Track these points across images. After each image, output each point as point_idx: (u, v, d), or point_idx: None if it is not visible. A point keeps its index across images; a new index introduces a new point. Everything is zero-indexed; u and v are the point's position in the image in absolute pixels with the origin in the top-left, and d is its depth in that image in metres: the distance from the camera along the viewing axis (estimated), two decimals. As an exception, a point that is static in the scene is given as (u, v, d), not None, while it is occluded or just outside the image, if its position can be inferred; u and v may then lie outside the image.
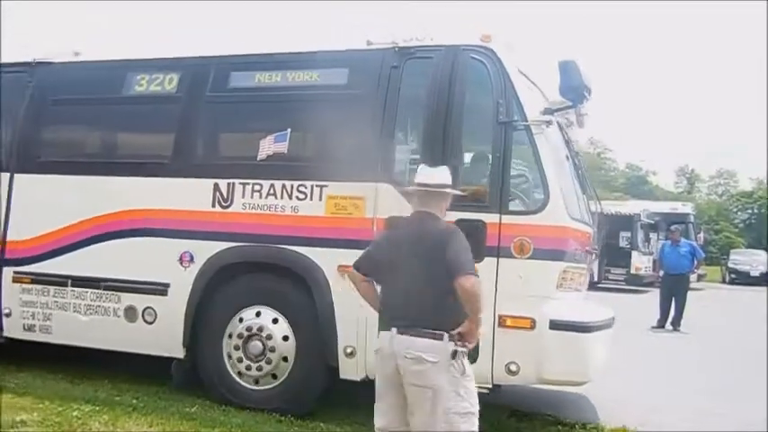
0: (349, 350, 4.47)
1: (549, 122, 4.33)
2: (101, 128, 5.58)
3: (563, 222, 4.25)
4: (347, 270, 3.45)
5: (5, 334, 5.39)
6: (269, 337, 4.65)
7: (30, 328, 5.29)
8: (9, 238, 5.38)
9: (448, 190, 3.30)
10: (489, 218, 4.27)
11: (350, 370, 4.50)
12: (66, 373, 5.32)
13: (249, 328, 4.70)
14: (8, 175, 5.44)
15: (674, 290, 11.29)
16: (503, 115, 4.34)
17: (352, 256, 4.37)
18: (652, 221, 21.85)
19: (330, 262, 4.52)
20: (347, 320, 4.46)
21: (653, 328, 11.13)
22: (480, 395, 3.21)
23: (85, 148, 5.63)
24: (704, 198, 51.21)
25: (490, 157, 4.42)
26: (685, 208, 25.74)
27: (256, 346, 4.67)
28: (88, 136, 5.65)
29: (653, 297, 13.85)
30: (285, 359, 4.63)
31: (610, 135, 68.42)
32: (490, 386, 4.34)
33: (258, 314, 4.71)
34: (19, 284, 5.30)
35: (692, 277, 13.27)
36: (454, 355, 3.01)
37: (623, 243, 20.52)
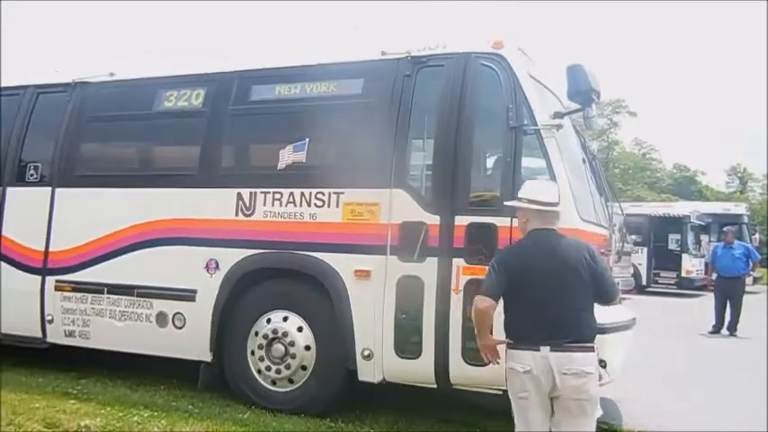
0: (366, 353, 4.58)
1: (559, 126, 4.36)
2: (133, 142, 5.88)
3: (573, 225, 4.26)
4: (477, 298, 3.25)
5: (48, 339, 5.71)
6: (292, 344, 4.79)
7: (70, 334, 5.59)
8: (51, 248, 5.69)
9: (558, 209, 3.35)
10: (501, 221, 4.33)
11: (368, 372, 4.61)
12: (125, 380, 5.52)
13: (272, 332, 4.86)
14: (50, 189, 5.77)
15: (728, 293, 11.00)
16: (513, 120, 4.40)
17: (367, 261, 4.56)
18: (703, 223, 21.29)
19: (347, 267, 4.65)
20: (364, 324, 4.58)
21: (709, 333, 10.88)
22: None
23: (119, 162, 5.93)
24: (758, 198, 49.25)
25: (501, 161, 4.48)
26: (738, 208, 24.96)
27: (278, 349, 4.82)
28: (122, 150, 5.95)
29: (705, 301, 13.54)
30: (304, 368, 4.77)
31: (656, 134, 66.59)
32: (504, 388, 4.37)
33: (284, 319, 4.86)
34: (60, 293, 5.60)
35: (748, 280, 12.93)
36: (600, 363, 3.20)
37: (673, 246, 20.10)
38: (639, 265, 18.99)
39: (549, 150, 4.34)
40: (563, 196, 4.20)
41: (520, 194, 3.40)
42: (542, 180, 3.60)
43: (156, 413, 4.58)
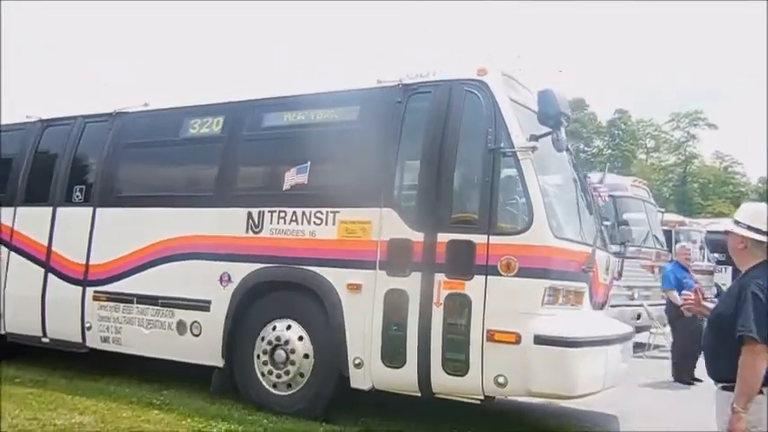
0: (357, 361, 4.89)
1: (534, 148, 4.58)
2: (160, 166, 6.46)
3: (546, 242, 4.47)
4: (752, 347, 2.63)
5: (87, 344, 6.31)
6: (292, 351, 5.16)
7: (105, 340, 6.17)
8: (91, 262, 6.32)
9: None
10: (478, 238, 4.58)
11: (359, 379, 4.91)
12: (200, 392, 5.68)
13: (275, 339, 5.24)
14: (91, 208, 6.43)
15: None
16: (491, 143, 4.66)
17: (359, 275, 4.90)
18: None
19: (341, 280, 5.00)
20: (356, 334, 4.90)
21: None
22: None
23: (148, 184, 6.49)
24: None
25: (480, 181, 4.73)
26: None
27: (280, 354, 5.19)
28: (150, 173, 6.53)
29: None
30: (302, 374, 5.12)
31: (739, 147, 63.54)
32: (482, 398, 4.61)
33: (287, 327, 5.24)
34: (97, 302, 6.20)
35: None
36: None
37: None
38: (723, 285, 18.28)
39: (524, 171, 4.57)
40: (536, 215, 4.46)
41: (739, 218, 2.96)
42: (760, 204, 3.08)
43: (232, 426, 4.73)
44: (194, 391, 5.66)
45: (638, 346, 10.66)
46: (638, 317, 10.51)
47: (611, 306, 10.04)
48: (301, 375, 5.13)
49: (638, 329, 10.81)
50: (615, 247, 10.19)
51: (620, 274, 6.04)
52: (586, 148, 48.21)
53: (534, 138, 4.60)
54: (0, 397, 4.95)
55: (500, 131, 4.68)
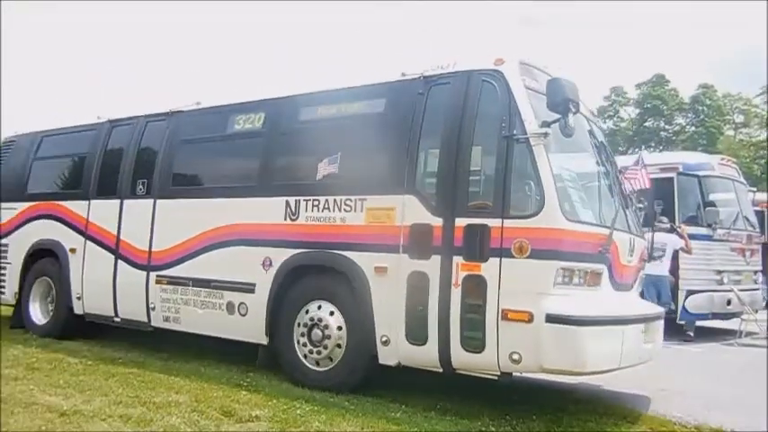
0: (384, 339, 5.23)
1: (545, 134, 4.73)
2: (210, 160, 6.98)
3: (558, 225, 4.62)
4: None
5: (152, 324, 6.96)
6: (328, 329, 5.55)
7: (167, 319, 6.79)
8: (153, 249, 6.94)
9: None
10: (493, 222, 4.79)
11: (386, 356, 5.25)
12: (283, 377, 5.86)
13: (312, 320, 5.65)
14: (152, 200, 7.04)
15: None
16: (505, 130, 4.85)
17: (384, 258, 5.24)
18: None
19: (368, 263, 5.33)
20: (382, 313, 5.24)
21: None
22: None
23: (199, 176, 7.04)
24: None
25: (495, 167, 4.93)
26: None
27: (317, 333, 5.60)
28: (201, 167, 7.06)
29: None
30: (336, 351, 5.51)
31: None
32: (498, 374, 4.84)
33: (319, 307, 5.65)
34: (159, 285, 6.82)
35: None
36: None
37: None
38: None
39: (536, 157, 4.73)
40: (547, 199, 4.64)
41: None
42: None
43: (316, 408, 4.89)
44: (280, 374, 5.90)
45: (729, 333, 10.50)
46: (729, 302, 10.24)
47: (699, 291, 9.98)
48: (337, 351, 5.51)
49: (728, 316, 10.59)
50: (701, 229, 9.95)
51: (649, 257, 6.05)
52: (667, 127, 46.18)
53: (546, 124, 4.74)
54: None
55: (514, 119, 4.86)
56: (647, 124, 44.87)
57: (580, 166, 5.52)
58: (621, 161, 9.50)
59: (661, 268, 9.35)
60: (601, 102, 38.53)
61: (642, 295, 6.30)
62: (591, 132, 5.65)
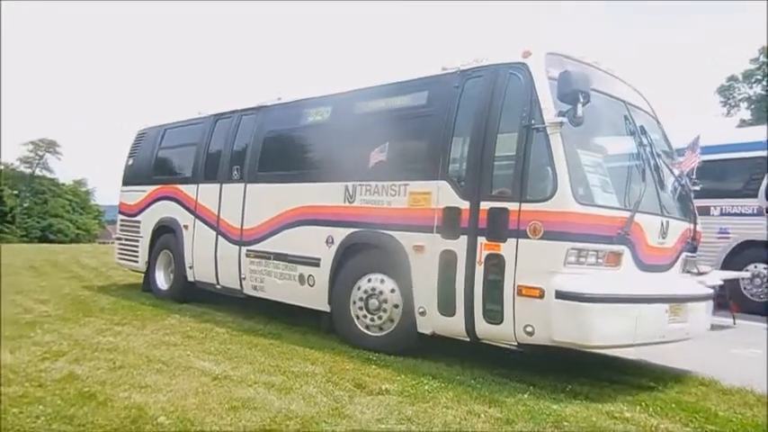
0: (421, 310, 5.82)
1: (561, 123, 5.03)
2: (286, 148, 7.86)
3: (568, 208, 4.94)
4: None
5: (244, 292, 8.02)
6: (381, 293, 6.18)
7: (254, 288, 7.82)
8: (244, 227, 7.99)
9: None
10: (512, 206, 5.21)
11: (423, 326, 5.85)
12: (409, 353, 6.01)
13: (368, 291, 6.34)
14: (243, 184, 8.08)
15: None
16: (525, 120, 5.21)
17: (422, 237, 5.83)
18: None
19: (409, 242, 5.93)
20: (420, 287, 5.83)
21: None
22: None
23: (279, 164, 7.91)
24: None
25: (515, 154, 5.30)
26: None
27: (374, 303, 6.28)
28: (280, 154, 7.93)
29: None
30: (396, 307, 6.09)
31: None
32: (515, 344, 5.28)
33: (371, 280, 6.31)
34: (248, 258, 7.85)
35: None
36: None
37: None
38: None
39: (552, 144, 5.06)
40: (560, 183, 4.98)
41: None
42: None
43: (443, 384, 5.04)
44: (407, 352, 6.03)
45: None
46: None
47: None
48: (395, 312, 6.12)
49: None
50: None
51: (693, 239, 6.06)
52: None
53: (562, 113, 5.05)
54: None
55: (534, 108, 5.20)
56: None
57: (613, 150, 5.72)
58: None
59: None
60: (747, 65, 35.26)
61: None
62: (627, 118, 5.80)
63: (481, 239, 5.38)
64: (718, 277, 8.51)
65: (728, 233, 10.38)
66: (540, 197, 5.10)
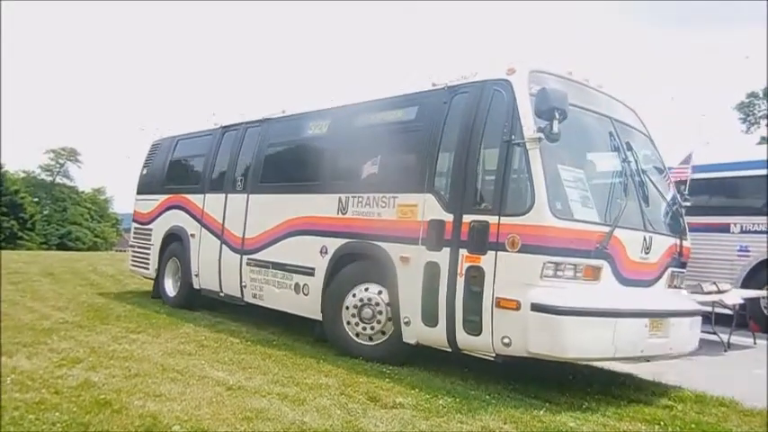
0: (406, 320, 5.94)
1: (540, 139, 5.13)
2: (285, 160, 8.07)
3: (544, 222, 5.03)
4: None
5: (244, 300, 8.22)
6: (371, 301, 6.32)
7: (254, 296, 8.00)
8: (246, 236, 8.20)
9: None
10: (492, 219, 5.31)
11: (408, 336, 5.97)
12: (426, 366, 6.08)
13: (362, 300, 6.44)
14: (246, 195, 8.30)
15: None
16: (506, 135, 5.33)
17: (408, 249, 5.96)
18: None
19: (397, 253, 6.06)
20: (405, 298, 5.95)
21: None
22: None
23: (278, 175, 8.12)
24: None
25: (497, 169, 5.41)
26: None
27: (367, 312, 6.40)
28: (279, 166, 8.15)
29: None
30: (390, 319, 6.19)
31: None
32: (494, 354, 5.36)
33: (366, 289, 6.43)
34: (249, 267, 8.04)
35: None
36: None
37: None
38: None
39: (530, 159, 5.16)
40: (537, 198, 5.09)
41: None
42: None
43: (457, 399, 5.01)
44: (421, 365, 6.12)
45: None
46: None
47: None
48: (388, 325, 6.22)
49: None
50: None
51: (680, 254, 6.08)
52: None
53: (540, 130, 5.15)
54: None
55: (515, 124, 5.32)
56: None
57: (596, 165, 5.80)
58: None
59: None
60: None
61: None
62: (611, 134, 5.88)
63: (463, 252, 5.49)
64: (738, 296, 8.48)
65: (749, 251, 10.25)
66: (519, 211, 5.20)
